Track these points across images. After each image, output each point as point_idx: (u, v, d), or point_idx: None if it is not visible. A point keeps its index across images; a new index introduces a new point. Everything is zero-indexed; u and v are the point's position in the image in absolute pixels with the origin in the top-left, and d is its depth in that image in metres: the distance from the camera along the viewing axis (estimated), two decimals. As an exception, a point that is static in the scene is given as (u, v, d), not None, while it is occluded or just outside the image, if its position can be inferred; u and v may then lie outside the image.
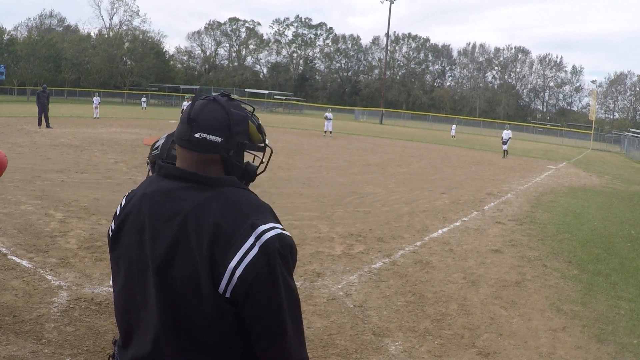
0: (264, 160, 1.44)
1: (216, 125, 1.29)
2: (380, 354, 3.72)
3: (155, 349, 1.25)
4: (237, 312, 1.21)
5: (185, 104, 19.66)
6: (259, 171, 1.43)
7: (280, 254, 1.21)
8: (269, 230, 1.22)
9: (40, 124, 19.70)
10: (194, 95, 1.44)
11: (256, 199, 1.31)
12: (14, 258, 5.05)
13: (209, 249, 1.20)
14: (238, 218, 1.23)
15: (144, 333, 1.28)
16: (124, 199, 1.41)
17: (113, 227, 1.37)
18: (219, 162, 1.32)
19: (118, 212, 1.39)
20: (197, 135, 1.29)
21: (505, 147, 23.19)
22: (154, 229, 1.27)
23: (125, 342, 1.36)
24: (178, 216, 1.24)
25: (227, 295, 1.19)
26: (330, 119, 27.09)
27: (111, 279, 1.40)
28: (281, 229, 1.26)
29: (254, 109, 1.42)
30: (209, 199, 1.25)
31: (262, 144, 1.41)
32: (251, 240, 1.20)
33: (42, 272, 4.76)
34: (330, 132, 27.20)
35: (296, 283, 1.28)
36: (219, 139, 1.29)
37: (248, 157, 1.42)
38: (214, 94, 1.38)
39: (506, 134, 23.24)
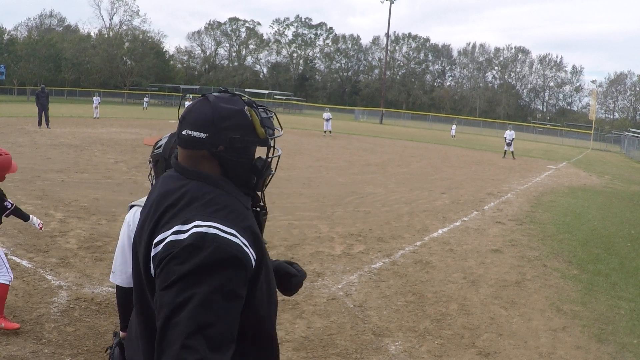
0: (269, 157, 1.38)
1: (200, 121, 1.28)
2: (380, 354, 3.72)
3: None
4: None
5: (187, 104, 19.64)
6: (268, 168, 1.38)
7: (189, 252, 1.13)
8: (204, 227, 1.16)
9: (40, 124, 19.71)
10: (194, 94, 1.45)
11: (219, 200, 1.25)
12: (14, 258, 5.04)
13: (152, 229, 1.24)
14: (183, 210, 1.22)
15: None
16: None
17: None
18: (209, 158, 1.30)
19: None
20: (183, 132, 1.29)
21: (510, 148, 22.73)
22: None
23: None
24: (150, 201, 1.32)
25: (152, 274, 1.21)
26: (329, 119, 27.13)
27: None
28: (225, 232, 1.17)
29: (256, 105, 1.38)
30: (175, 189, 1.27)
31: (266, 138, 1.34)
32: (177, 227, 1.18)
33: (42, 272, 4.76)
34: (330, 131, 27.24)
35: None
36: (203, 135, 1.27)
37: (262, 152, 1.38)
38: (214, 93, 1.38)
39: (509, 134, 22.90)
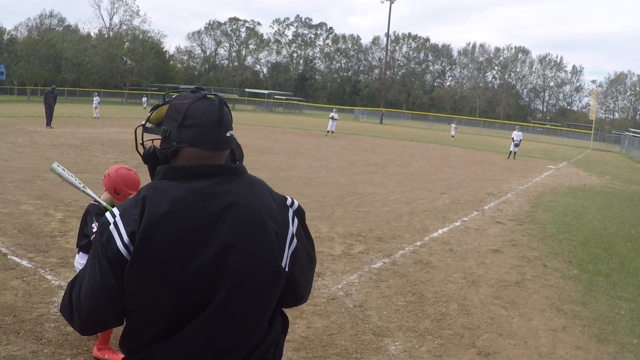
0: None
1: (230, 122, 1.45)
2: (380, 354, 3.72)
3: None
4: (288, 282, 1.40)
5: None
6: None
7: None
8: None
9: (48, 124, 19.74)
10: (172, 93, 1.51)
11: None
12: (14, 258, 5.05)
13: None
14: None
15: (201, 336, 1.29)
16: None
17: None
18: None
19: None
20: (228, 134, 1.42)
21: (516, 148, 22.63)
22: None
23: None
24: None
25: (286, 268, 1.38)
26: (335, 119, 27.23)
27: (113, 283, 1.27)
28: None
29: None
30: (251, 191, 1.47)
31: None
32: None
33: (42, 272, 4.76)
34: (332, 132, 27.29)
35: None
36: (232, 132, 1.46)
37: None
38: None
39: (517, 135, 22.73)
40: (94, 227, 3.07)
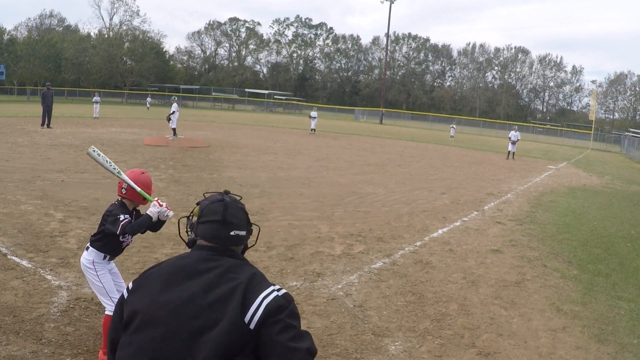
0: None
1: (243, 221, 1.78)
2: (380, 354, 3.72)
3: None
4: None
5: (174, 105, 19.51)
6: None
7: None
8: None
9: (43, 124, 19.63)
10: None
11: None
12: (14, 258, 5.05)
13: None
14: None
15: None
16: None
17: None
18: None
19: None
20: (232, 233, 1.68)
21: (513, 148, 22.68)
22: None
23: None
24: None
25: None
26: (314, 117, 28.10)
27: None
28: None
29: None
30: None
31: None
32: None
33: (42, 272, 4.76)
34: (314, 130, 28.01)
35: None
36: (244, 232, 1.79)
37: None
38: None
39: (514, 135, 22.75)
40: (121, 217, 3.16)
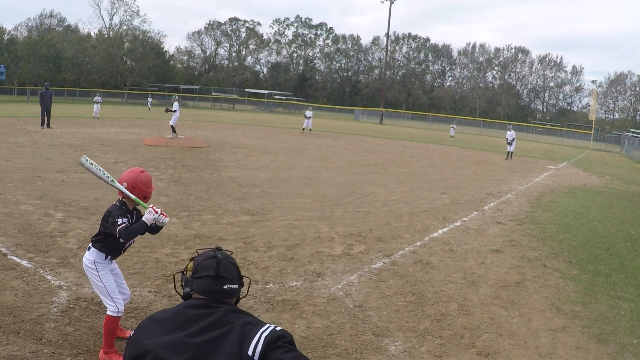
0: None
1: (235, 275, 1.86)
2: (380, 354, 3.72)
3: None
4: None
5: (175, 104, 19.67)
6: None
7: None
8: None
9: (42, 124, 19.63)
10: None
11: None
12: (14, 258, 5.05)
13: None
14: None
15: None
16: None
17: None
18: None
19: None
20: (225, 287, 1.79)
21: (511, 148, 22.66)
22: None
23: None
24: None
25: None
26: (309, 117, 28.30)
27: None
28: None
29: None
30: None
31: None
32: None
33: (42, 272, 4.76)
34: (310, 129, 28.08)
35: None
36: (236, 286, 1.88)
37: None
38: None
39: (510, 134, 22.81)
40: (119, 221, 3.17)
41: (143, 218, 3.18)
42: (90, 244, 3.43)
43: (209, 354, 1.58)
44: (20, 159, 11.35)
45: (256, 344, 1.58)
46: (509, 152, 22.86)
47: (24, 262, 4.96)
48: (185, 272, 1.89)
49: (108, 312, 3.34)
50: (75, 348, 3.47)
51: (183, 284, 1.87)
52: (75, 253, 5.34)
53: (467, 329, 4.26)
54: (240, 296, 1.92)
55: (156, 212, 3.16)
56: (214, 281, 1.77)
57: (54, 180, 9.21)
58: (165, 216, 3.23)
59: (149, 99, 49.84)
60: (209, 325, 1.65)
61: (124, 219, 3.20)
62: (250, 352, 1.56)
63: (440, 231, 7.62)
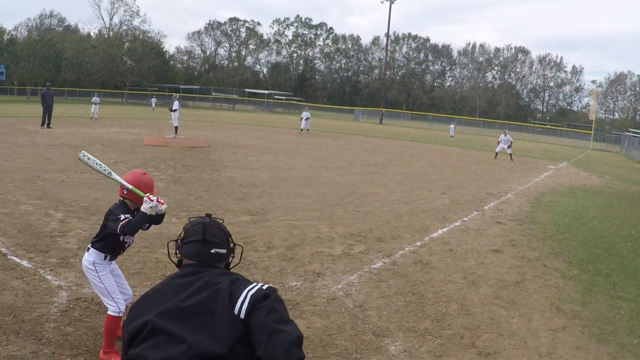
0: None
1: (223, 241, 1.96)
2: (380, 354, 3.72)
3: None
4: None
5: (176, 103, 19.89)
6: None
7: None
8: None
9: (43, 124, 19.64)
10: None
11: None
12: (14, 258, 5.05)
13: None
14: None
15: None
16: None
17: None
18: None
19: None
20: (212, 250, 1.88)
21: (509, 150, 22.40)
22: None
23: None
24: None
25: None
26: (307, 118, 28.31)
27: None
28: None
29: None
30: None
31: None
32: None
33: (42, 272, 4.76)
34: (308, 129, 28.13)
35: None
36: (224, 250, 1.99)
37: None
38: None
39: (505, 139, 22.24)
40: (122, 217, 3.18)
41: (141, 209, 3.17)
42: (89, 245, 3.43)
43: (203, 314, 1.63)
44: (20, 159, 11.35)
45: (242, 302, 1.63)
46: (497, 153, 22.36)
47: (24, 262, 4.96)
48: (178, 241, 1.95)
49: (109, 312, 3.35)
50: (75, 348, 3.47)
51: (176, 251, 1.92)
52: (75, 253, 5.34)
53: (467, 329, 4.26)
54: (231, 263, 1.96)
55: (151, 201, 3.16)
56: (201, 245, 1.83)
57: (54, 180, 9.21)
58: (163, 203, 3.25)
59: (153, 99, 49.88)
60: (198, 289, 1.69)
61: (126, 215, 3.22)
62: (236, 311, 1.62)
63: (440, 231, 7.62)
